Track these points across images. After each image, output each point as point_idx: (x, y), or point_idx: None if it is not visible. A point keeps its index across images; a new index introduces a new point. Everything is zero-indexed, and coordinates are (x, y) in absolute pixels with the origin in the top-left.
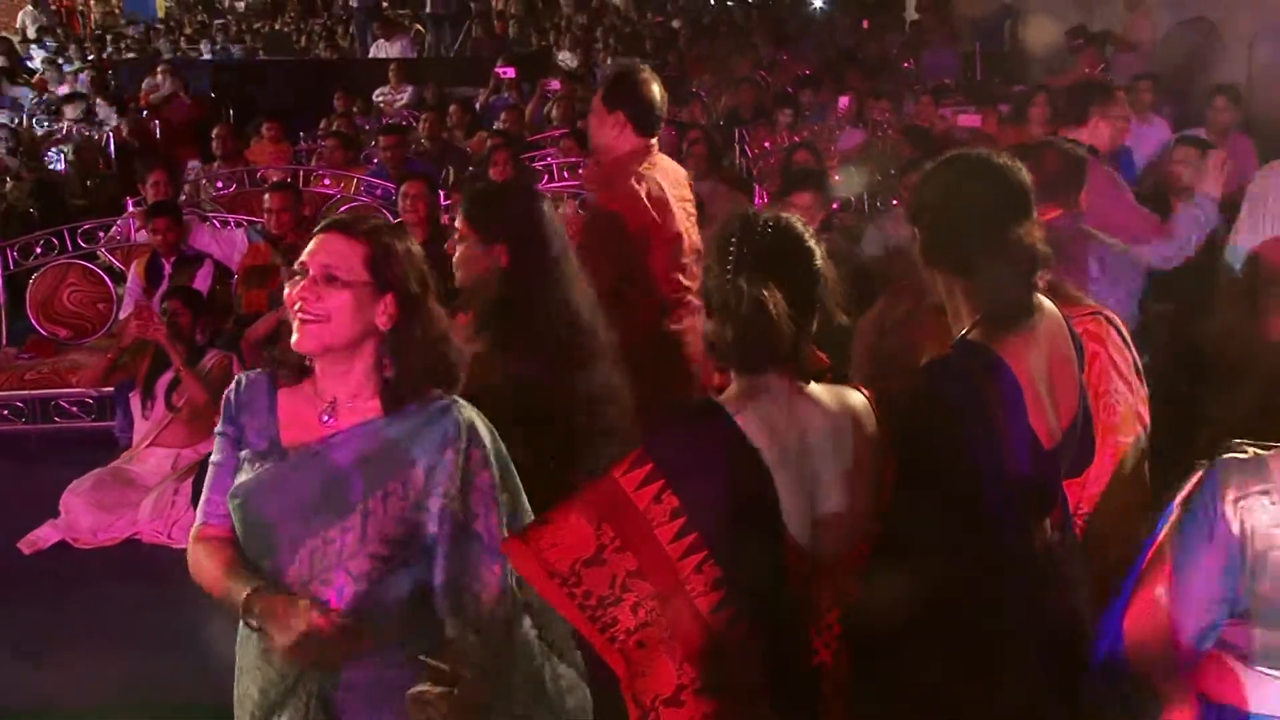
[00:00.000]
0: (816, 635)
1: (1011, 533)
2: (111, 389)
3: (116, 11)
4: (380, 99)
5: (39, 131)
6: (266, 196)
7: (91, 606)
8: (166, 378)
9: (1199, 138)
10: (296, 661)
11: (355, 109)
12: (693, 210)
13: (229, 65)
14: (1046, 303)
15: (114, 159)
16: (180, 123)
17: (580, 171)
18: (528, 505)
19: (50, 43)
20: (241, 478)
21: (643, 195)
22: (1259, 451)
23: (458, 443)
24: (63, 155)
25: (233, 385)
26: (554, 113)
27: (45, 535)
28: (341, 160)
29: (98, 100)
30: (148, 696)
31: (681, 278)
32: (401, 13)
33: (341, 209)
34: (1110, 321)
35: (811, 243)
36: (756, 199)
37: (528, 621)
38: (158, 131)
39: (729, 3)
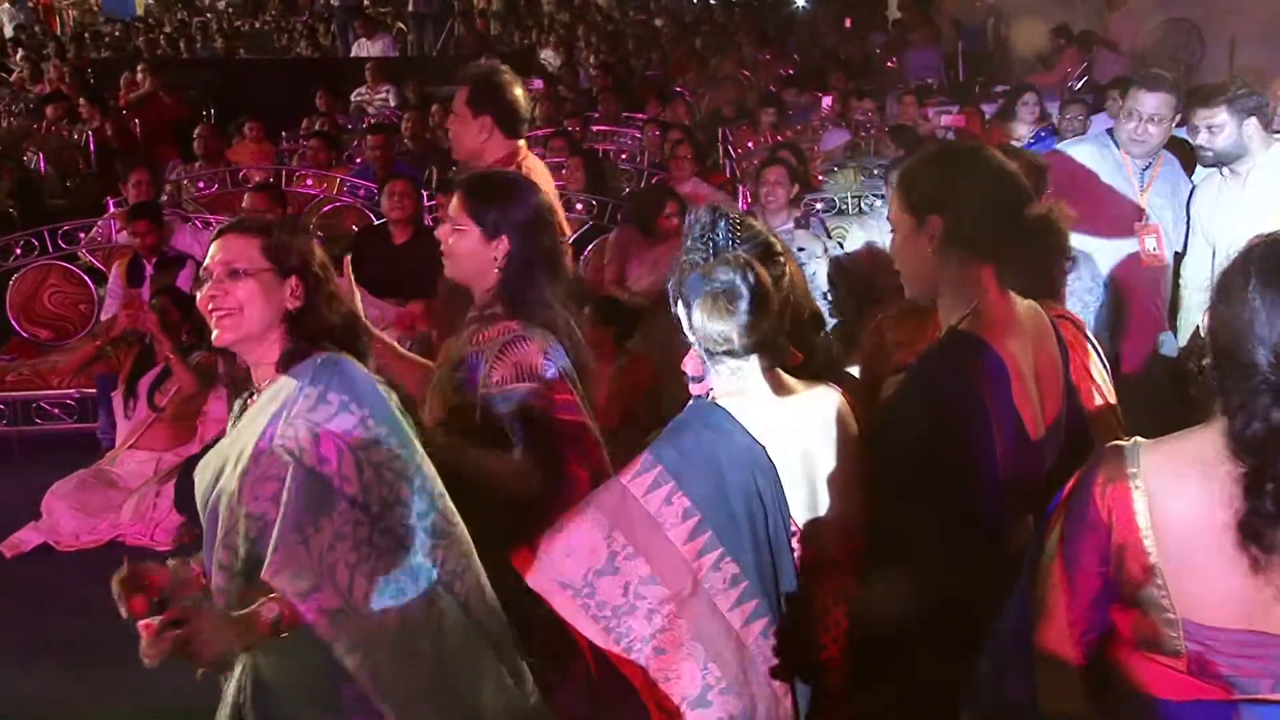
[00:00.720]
0: (825, 631)
1: (995, 521)
2: (94, 390)
3: (95, 9)
4: (358, 99)
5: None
6: (247, 197)
7: (76, 609)
8: (149, 377)
9: (1181, 139)
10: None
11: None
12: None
13: (209, 64)
14: (1033, 303)
15: (94, 159)
16: (160, 122)
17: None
18: (436, 485)
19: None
20: None
21: None
22: (1140, 440)
23: (308, 387)
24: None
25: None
26: (537, 112)
27: (27, 538)
28: (325, 160)
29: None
30: (141, 702)
31: None
32: (383, 11)
33: (324, 209)
34: (1078, 325)
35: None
36: (740, 200)
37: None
38: (138, 131)
39: (712, 1)
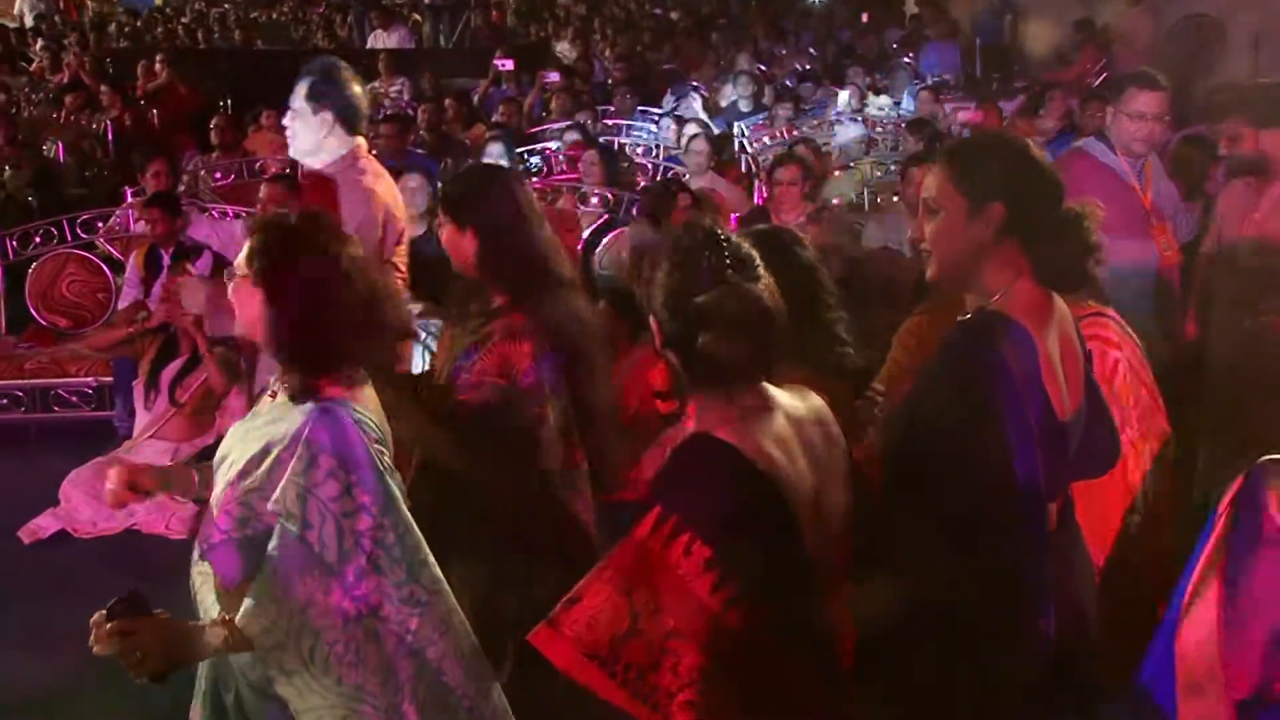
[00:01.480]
0: (842, 639)
1: (1031, 496)
2: (110, 379)
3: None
4: (373, 90)
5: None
6: (263, 187)
7: (91, 597)
8: (172, 370)
9: (1200, 138)
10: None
11: None
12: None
13: (226, 54)
14: (1057, 297)
15: (112, 148)
16: (177, 112)
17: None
18: (418, 553)
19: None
20: None
21: (379, 194)
22: None
23: (298, 447)
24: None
25: None
26: (553, 105)
27: (45, 524)
28: None
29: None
30: (149, 690)
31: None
32: (399, 3)
33: None
34: (1119, 324)
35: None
36: (755, 195)
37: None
38: (155, 121)
39: None
